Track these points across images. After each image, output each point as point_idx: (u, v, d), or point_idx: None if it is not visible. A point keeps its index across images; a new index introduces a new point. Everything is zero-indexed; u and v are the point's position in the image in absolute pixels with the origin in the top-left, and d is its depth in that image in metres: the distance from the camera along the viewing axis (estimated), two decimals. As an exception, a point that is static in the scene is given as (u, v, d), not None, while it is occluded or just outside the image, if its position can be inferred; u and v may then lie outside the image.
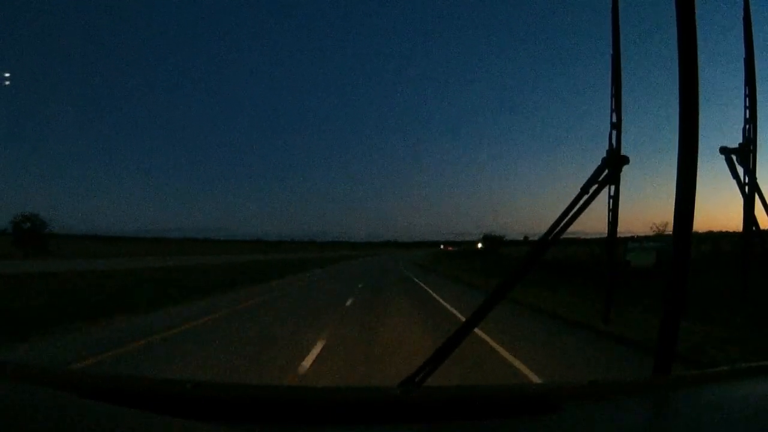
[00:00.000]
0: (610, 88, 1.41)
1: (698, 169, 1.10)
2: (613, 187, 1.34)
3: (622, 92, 1.40)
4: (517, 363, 5.71)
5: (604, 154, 1.30)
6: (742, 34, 1.55)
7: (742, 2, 1.55)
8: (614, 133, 1.35)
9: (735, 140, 1.48)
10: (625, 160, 1.27)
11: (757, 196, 1.44)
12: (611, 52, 1.41)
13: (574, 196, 1.26)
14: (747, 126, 1.49)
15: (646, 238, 21.57)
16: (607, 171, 1.26)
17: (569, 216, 1.23)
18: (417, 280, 22.59)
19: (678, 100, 1.10)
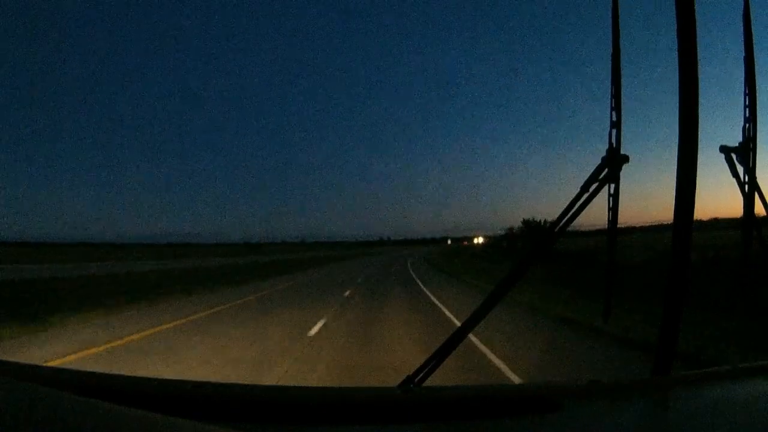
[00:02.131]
0: (610, 88, 1.41)
1: (698, 168, 1.10)
2: (613, 186, 1.34)
3: (622, 91, 1.40)
4: (503, 367, 5.68)
5: (605, 153, 1.30)
6: (742, 34, 1.55)
7: (742, 2, 1.55)
8: (614, 131, 1.35)
9: (735, 139, 1.48)
10: (625, 159, 1.28)
11: (757, 195, 1.44)
12: (611, 52, 1.42)
13: (574, 193, 1.26)
14: (747, 125, 1.49)
15: None
16: (607, 170, 1.26)
17: (570, 214, 1.23)
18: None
19: (678, 99, 1.10)
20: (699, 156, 1.10)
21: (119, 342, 7.48)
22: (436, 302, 12.97)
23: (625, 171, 1.30)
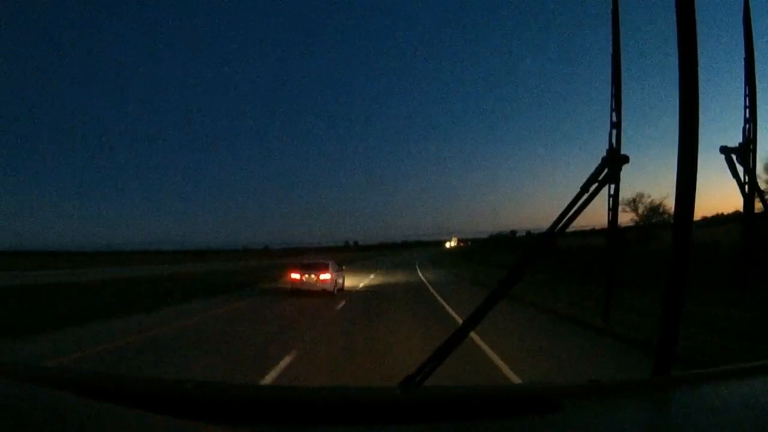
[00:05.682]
0: (610, 88, 1.41)
1: (698, 169, 1.10)
2: (613, 186, 1.34)
3: (622, 92, 1.40)
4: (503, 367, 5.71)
5: (605, 153, 1.30)
6: (742, 34, 1.55)
7: (742, 2, 1.55)
8: (614, 132, 1.35)
9: (735, 139, 1.48)
10: (625, 159, 1.27)
11: (756, 195, 1.44)
12: (611, 52, 1.42)
13: (573, 194, 1.26)
14: (747, 125, 1.49)
15: None
16: (607, 170, 1.26)
17: (570, 215, 1.23)
18: None
19: (678, 99, 1.10)
20: (699, 156, 1.10)
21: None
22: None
23: (625, 171, 1.30)
